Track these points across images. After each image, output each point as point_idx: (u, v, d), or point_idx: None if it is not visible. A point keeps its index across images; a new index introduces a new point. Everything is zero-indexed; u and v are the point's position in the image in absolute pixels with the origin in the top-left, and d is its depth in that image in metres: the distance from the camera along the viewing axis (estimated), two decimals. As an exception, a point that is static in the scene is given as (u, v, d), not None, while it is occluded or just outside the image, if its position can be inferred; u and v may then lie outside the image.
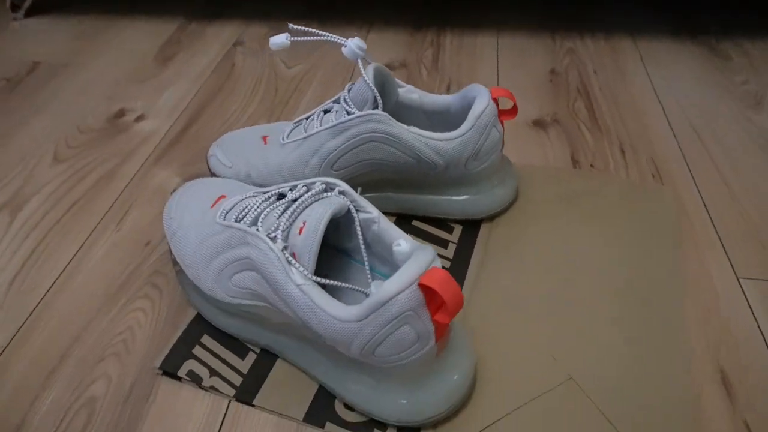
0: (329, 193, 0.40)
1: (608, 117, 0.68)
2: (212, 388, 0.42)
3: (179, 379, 0.43)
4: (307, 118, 0.53)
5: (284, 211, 0.40)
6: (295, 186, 0.42)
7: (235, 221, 0.42)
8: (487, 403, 0.40)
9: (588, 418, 0.39)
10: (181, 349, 0.44)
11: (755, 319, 0.46)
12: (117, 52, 0.84)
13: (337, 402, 0.41)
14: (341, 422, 0.40)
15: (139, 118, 0.70)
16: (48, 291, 0.49)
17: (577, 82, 0.75)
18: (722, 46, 0.82)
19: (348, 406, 0.41)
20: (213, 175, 0.55)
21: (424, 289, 0.34)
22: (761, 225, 0.54)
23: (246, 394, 0.42)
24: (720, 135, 0.65)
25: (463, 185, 0.52)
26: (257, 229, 0.38)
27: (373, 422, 0.40)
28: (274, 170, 0.52)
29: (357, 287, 0.40)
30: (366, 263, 0.41)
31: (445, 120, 0.54)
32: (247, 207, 0.43)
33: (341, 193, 0.40)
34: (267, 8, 0.95)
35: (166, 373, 0.43)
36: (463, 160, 0.49)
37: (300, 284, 0.36)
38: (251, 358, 0.44)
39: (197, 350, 0.44)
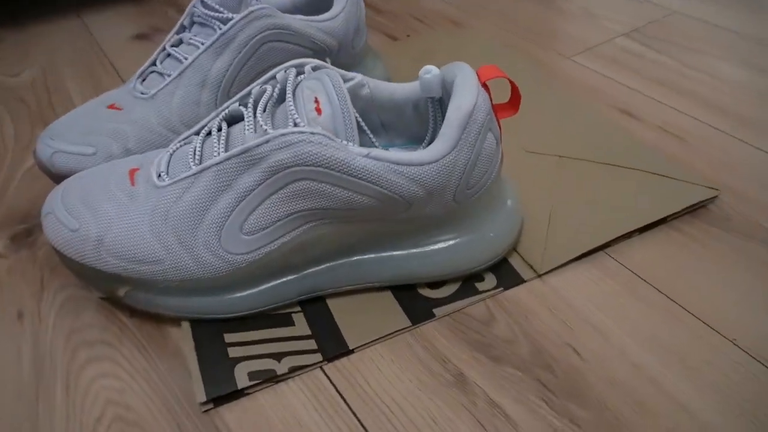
0: (302, 76, 0.33)
1: (391, 3, 0.73)
2: (293, 369, 0.31)
3: (243, 392, 0.31)
4: (154, 63, 0.42)
5: (261, 115, 0.31)
6: (249, 93, 0.33)
7: (188, 166, 0.31)
8: (533, 212, 0.40)
9: (594, 171, 0.43)
10: (215, 365, 0.31)
11: (603, 74, 0.58)
12: None
13: (420, 289, 0.36)
14: (442, 301, 0.35)
15: None
16: None
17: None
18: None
19: (432, 285, 0.36)
20: (62, 178, 0.38)
21: (485, 88, 0.32)
22: (559, 23, 0.67)
23: (335, 347, 0.32)
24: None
25: (352, 69, 0.49)
26: (267, 131, 0.29)
27: (468, 279, 0.36)
28: (158, 127, 0.39)
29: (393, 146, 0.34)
30: (370, 134, 0.35)
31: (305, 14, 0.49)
32: (196, 149, 0.32)
33: (315, 69, 0.33)
34: None
35: (219, 400, 0.30)
36: (350, 38, 0.46)
37: (366, 154, 0.29)
38: (299, 317, 0.34)
39: (234, 351, 0.32)
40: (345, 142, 0.30)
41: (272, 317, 0.34)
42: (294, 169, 0.29)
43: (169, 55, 0.41)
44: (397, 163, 0.30)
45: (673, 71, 0.58)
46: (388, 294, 0.36)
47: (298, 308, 0.35)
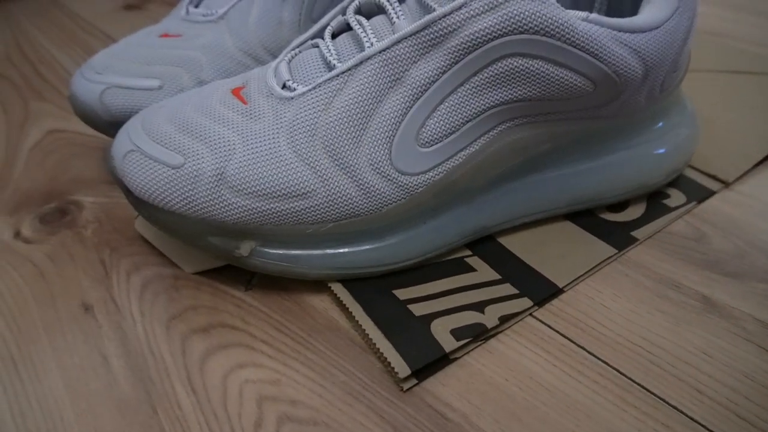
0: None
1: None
2: (504, 319, 0.23)
3: (448, 357, 0.22)
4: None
5: None
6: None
7: (329, 70, 0.23)
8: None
9: (726, 80, 0.38)
10: (403, 328, 0.23)
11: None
12: None
13: (601, 214, 0.28)
14: (636, 223, 0.28)
15: None
16: None
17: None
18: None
19: (613, 209, 0.29)
20: (114, 126, 0.28)
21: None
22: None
23: (541, 288, 0.25)
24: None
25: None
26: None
27: (652, 198, 0.30)
28: (236, 52, 0.30)
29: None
30: None
31: None
32: (330, 48, 0.24)
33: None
34: None
35: (421, 373, 0.22)
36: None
37: (585, 17, 0.22)
38: (476, 261, 0.26)
39: (419, 309, 0.24)
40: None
41: (442, 266, 0.26)
42: (501, 42, 0.22)
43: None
44: (620, 29, 0.23)
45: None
46: (569, 224, 0.29)
47: (469, 252, 0.27)
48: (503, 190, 0.27)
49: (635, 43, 0.24)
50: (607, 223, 0.29)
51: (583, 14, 0.23)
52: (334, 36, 0.26)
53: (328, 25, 0.26)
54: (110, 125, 0.28)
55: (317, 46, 0.25)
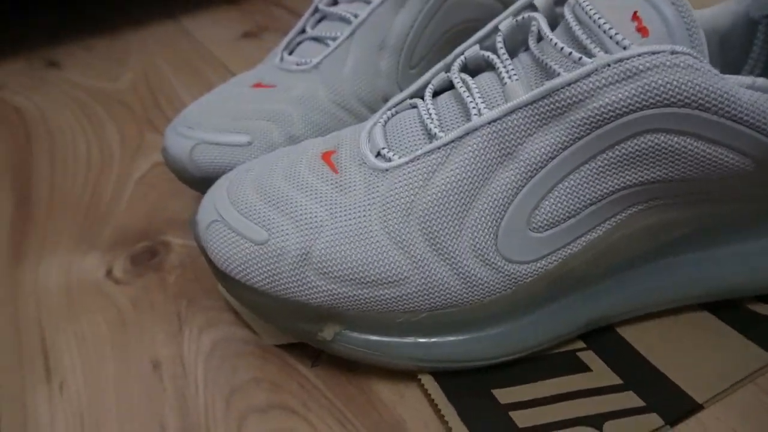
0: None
1: None
2: (624, 443, 0.20)
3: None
4: (303, 31, 0.32)
5: (539, 46, 0.21)
6: (495, 30, 0.23)
7: (429, 138, 0.21)
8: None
9: None
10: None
11: None
12: None
13: (750, 304, 0.23)
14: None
15: None
16: None
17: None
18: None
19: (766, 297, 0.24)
20: (203, 181, 0.28)
21: None
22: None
23: (673, 402, 0.20)
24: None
25: None
26: (579, 59, 0.19)
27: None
28: (329, 104, 0.28)
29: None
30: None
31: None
32: (430, 111, 0.21)
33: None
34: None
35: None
36: None
37: (751, 83, 0.18)
38: (591, 358, 0.22)
39: (523, 418, 0.20)
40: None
41: (549, 360, 0.23)
42: (639, 116, 0.18)
43: (323, 17, 0.32)
44: (797, 95, 0.19)
45: None
46: (708, 316, 0.24)
47: (582, 344, 0.23)
48: (626, 276, 0.23)
49: (816, 113, 0.19)
50: (758, 318, 0.24)
51: (747, 80, 0.18)
52: (436, 94, 0.24)
53: (429, 83, 0.24)
54: (200, 181, 0.28)
55: (416, 107, 0.23)
